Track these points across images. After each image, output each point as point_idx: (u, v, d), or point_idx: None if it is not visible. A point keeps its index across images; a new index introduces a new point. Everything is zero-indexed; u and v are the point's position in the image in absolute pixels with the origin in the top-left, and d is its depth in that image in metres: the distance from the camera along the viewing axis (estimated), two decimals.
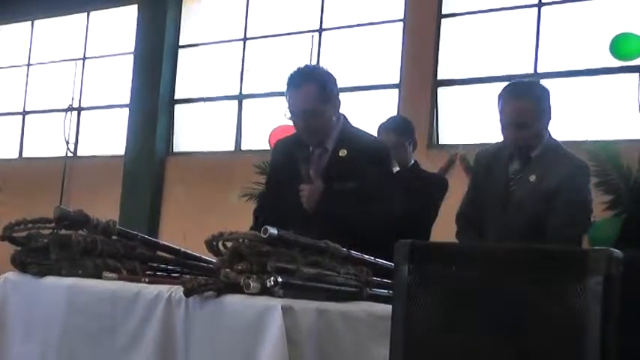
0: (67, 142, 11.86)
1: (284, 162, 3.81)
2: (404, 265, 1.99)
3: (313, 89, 3.61)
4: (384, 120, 4.76)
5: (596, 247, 1.77)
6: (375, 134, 4.54)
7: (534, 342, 1.83)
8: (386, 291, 2.68)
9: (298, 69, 3.71)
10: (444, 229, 4.44)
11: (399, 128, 4.68)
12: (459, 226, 4.09)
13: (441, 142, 8.81)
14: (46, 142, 12.30)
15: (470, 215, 4.03)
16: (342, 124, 3.73)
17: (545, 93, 3.92)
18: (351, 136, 3.70)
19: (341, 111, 3.79)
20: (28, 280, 3.05)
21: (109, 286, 2.87)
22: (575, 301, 1.75)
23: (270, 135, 8.30)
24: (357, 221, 3.46)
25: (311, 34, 9.94)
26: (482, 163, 4.07)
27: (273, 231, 2.55)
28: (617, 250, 1.76)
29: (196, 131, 10.95)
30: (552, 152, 3.89)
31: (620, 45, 7.41)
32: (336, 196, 3.56)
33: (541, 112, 3.83)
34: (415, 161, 4.67)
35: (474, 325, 1.89)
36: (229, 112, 10.60)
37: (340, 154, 3.64)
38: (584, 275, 1.73)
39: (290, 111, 3.68)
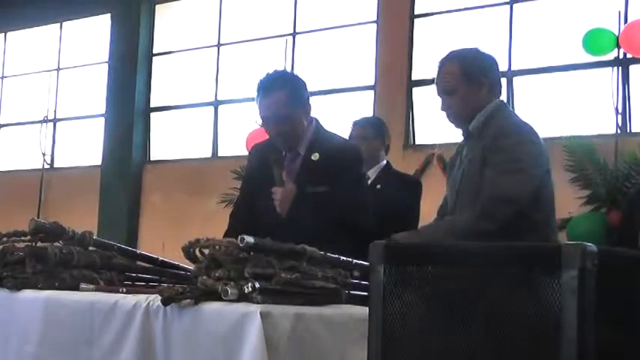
0: (44, 154, 11.79)
1: (259, 166, 3.81)
2: (379, 265, 1.99)
3: (283, 94, 3.60)
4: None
5: (570, 242, 1.77)
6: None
7: (512, 339, 1.83)
8: (365, 292, 2.67)
9: (267, 75, 3.69)
10: None
11: (366, 123, 4.71)
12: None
13: (417, 142, 8.83)
14: (23, 154, 12.23)
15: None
16: (314, 127, 3.72)
17: (470, 56, 3.58)
18: (323, 139, 3.70)
19: (316, 114, 3.79)
20: (4, 294, 3.01)
21: (86, 297, 2.84)
22: (550, 297, 1.75)
23: (247, 139, 8.29)
24: (330, 224, 3.45)
25: (285, 38, 9.95)
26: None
27: (250, 240, 2.53)
28: (591, 245, 1.77)
29: (173, 139, 10.93)
30: (490, 119, 3.42)
31: (592, 40, 7.46)
32: (309, 199, 3.56)
33: (467, 75, 3.48)
34: (387, 162, 4.66)
35: (451, 324, 1.89)
36: (205, 119, 10.59)
37: (313, 158, 3.64)
38: (559, 270, 1.74)
39: (261, 117, 3.68)
